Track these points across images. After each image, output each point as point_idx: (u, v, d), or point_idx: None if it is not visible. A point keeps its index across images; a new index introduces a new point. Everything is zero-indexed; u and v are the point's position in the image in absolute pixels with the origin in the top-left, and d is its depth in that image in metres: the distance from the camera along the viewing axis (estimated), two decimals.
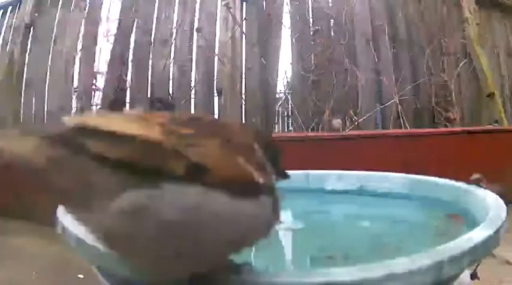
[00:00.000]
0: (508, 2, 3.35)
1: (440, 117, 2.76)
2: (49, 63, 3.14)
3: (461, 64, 2.82)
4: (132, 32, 2.95)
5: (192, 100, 2.86)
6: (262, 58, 2.78)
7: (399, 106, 2.67)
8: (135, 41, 2.92)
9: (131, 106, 2.91)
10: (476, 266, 0.76)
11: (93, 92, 2.83)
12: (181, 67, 2.86)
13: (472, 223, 0.63)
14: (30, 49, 3.21)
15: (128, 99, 2.90)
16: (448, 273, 0.45)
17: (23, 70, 3.18)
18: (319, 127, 2.56)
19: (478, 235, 0.50)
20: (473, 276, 0.76)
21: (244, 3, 2.89)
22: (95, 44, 2.98)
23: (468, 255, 0.47)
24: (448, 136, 2.30)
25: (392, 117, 2.72)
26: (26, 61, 3.20)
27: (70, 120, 0.39)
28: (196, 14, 2.96)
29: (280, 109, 2.94)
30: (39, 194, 0.41)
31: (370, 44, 2.87)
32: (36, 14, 3.22)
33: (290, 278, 0.41)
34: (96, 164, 0.36)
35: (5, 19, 3.45)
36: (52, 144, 0.37)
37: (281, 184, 0.46)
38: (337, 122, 2.41)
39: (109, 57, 2.93)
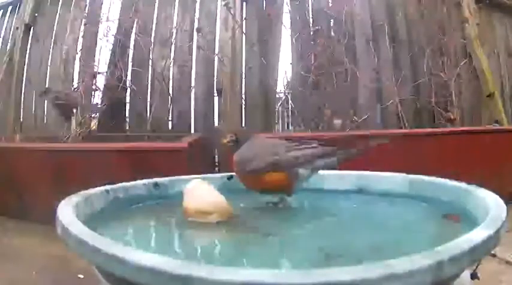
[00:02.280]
0: (508, 2, 3.35)
1: (440, 117, 2.76)
2: (49, 63, 3.14)
3: (461, 64, 2.82)
4: (132, 32, 2.95)
5: (192, 100, 2.86)
6: (262, 58, 2.78)
7: (399, 106, 2.67)
8: (135, 41, 2.92)
9: (131, 106, 2.92)
10: (476, 266, 0.76)
11: (93, 92, 2.83)
12: (181, 67, 2.86)
13: (471, 223, 0.63)
14: (30, 49, 3.22)
15: (127, 99, 2.91)
16: (448, 273, 0.45)
17: (23, 70, 3.18)
18: (319, 127, 2.56)
19: (478, 235, 0.50)
20: (473, 276, 0.76)
21: (244, 3, 2.89)
22: (95, 44, 2.98)
23: (468, 255, 0.47)
24: (448, 136, 2.30)
25: (392, 117, 2.72)
26: (26, 61, 3.20)
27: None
28: (196, 14, 2.96)
29: (280, 109, 2.94)
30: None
31: (370, 44, 2.86)
32: (36, 14, 3.23)
33: (290, 278, 0.41)
34: None
35: (5, 19, 3.46)
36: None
37: None
38: (337, 122, 2.41)
39: (109, 57, 2.93)
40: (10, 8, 3.45)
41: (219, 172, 2.42)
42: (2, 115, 3.15)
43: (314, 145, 0.89)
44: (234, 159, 0.91)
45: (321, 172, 0.92)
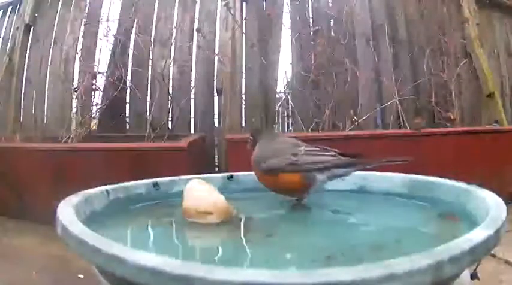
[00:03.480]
0: (508, 2, 3.35)
1: (440, 117, 2.76)
2: (49, 63, 3.14)
3: (461, 64, 2.82)
4: (132, 32, 2.95)
5: (192, 100, 2.86)
6: (262, 58, 2.78)
7: (399, 106, 2.67)
8: (135, 41, 2.92)
9: (131, 106, 2.92)
10: (476, 266, 0.76)
11: (93, 92, 2.83)
12: (181, 67, 2.85)
13: (471, 223, 0.63)
14: (30, 49, 3.22)
15: (127, 99, 2.91)
16: (448, 273, 0.45)
17: (23, 70, 3.18)
18: (319, 127, 2.56)
19: (478, 234, 0.50)
20: (473, 276, 0.76)
21: (244, 3, 2.89)
22: (95, 44, 2.98)
23: (468, 255, 0.47)
24: (448, 136, 2.30)
25: (392, 117, 2.72)
26: (26, 61, 3.20)
27: None
28: (196, 14, 2.96)
29: (280, 109, 2.94)
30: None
31: (370, 44, 2.86)
32: (36, 14, 3.22)
33: (290, 278, 0.41)
34: None
35: (5, 19, 3.46)
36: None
37: None
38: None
39: (109, 57, 2.93)
40: (10, 8, 3.45)
41: (219, 172, 2.43)
42: (2, 115, 3.15)
43: (333, 153, 0.88)
44: (252, 156, 0.91)
45: None
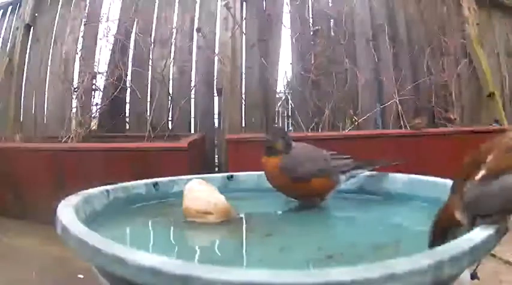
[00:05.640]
0: (508, 2, 3.35)
1: (440, 117, 2.76)
2: (49, 63, 3.14)
3: (461, 64, 2.81)
4: (132, 32, 2.95)
5: (192, 100, 2.85)
6: (262, 58, 2.78)
7: (399, 106, 2.67)
8: (135, 41, 2.92)
9: (131, 106, 2.92)
10: (476, 266, 0.76)
11: (93, 92, 2.83)
12: (181, 67, 2.85)
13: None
14: (30, 49, 3.22)
15: (127, 99, 2.91)
16: (448, 273, 0.45)
17: (23, 70, 3.18)
18: (319, 127, 2.56)
19: (478, 235, 0.50)
20: (473, 276, 0.76)
21: (244, 3, 2.89)
22: (95, 44, 2.98)
23: (468, 255, 0.47)
24: (448, 136, 2.30)
25: (392, 117, 2.72)
26: (26, 61, 3.20)
27: None
28: (196, 14, 2.96)
29: (280, 109, 2.94)
30: None
31: (370, 44, 2.86)
32: (36, 14, 3.22)
33: (290, 278, 0.41)
34: None
35: (5, 19, 3.46)
36: None
37: None
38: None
39: (109, 57, 2.93)
40: (10, 8, 3.45)
41: (219, 172, 2.43)
42: (2, 115, 3.14)
43: (348, 156, 0.96)
44: (277, 164, 0.90)
45: None
